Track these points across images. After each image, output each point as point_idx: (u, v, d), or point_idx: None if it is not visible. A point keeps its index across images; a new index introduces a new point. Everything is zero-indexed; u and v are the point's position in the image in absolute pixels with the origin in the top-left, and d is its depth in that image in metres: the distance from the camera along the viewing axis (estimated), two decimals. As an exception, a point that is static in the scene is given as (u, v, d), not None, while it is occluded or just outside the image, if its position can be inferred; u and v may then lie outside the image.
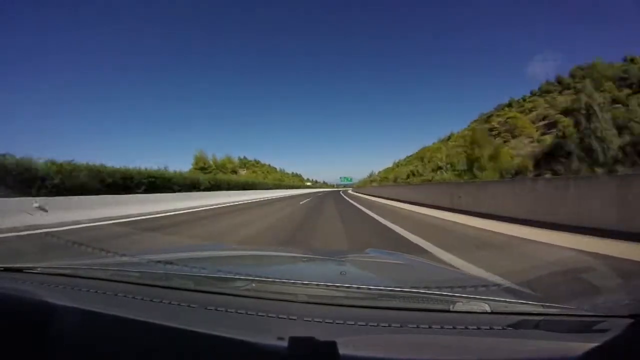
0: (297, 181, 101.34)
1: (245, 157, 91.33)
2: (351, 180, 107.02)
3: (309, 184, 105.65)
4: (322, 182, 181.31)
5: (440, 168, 32.62)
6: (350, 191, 56.03)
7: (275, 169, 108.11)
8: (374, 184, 55.93)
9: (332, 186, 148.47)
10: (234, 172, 52.30)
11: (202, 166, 41.64)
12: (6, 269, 1.02)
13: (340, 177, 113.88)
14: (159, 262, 1.11)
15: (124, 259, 1.29)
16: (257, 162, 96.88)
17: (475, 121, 42.59)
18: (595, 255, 2.96)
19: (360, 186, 67.41)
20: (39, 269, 1.00)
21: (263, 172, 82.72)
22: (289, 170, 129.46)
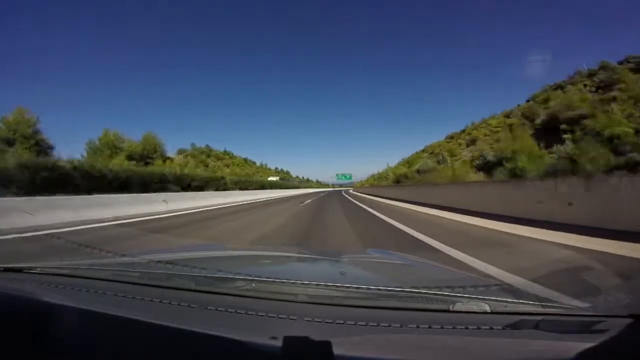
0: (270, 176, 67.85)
1: (208, 146, 71.37)
2: (350, 177, 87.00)
3: (273, 179, 57.36)
4: (315, 180, 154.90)
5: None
6: (351, 191, 46.90)
7: (254, 163, 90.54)
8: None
9: (328, 185, 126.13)
10: (146, 159, 32.81)
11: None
12: (6, 269, 1.02)
13: (337, 175, 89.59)
14: (159, 262, 1.11)
15: (124, 259, 1.29)
16: (227, 152, 77.35)
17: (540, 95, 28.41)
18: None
19: (375, 184, 43.60)
20: (38, 269, 1.00)
21: (223, 166, 61.99)
22: (274, 166, 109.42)
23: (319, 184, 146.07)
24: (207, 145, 72.24)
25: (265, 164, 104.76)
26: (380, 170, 56.68)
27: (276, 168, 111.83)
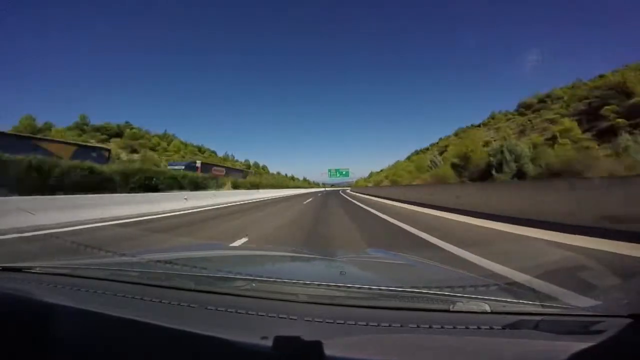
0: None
1: (128, 123, 53.81)
2: (347, 174, 67.25)
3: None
4: (301, 179, 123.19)
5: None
6: (349, 191, 37.72)
7: (209, 151, 68.38)
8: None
9: (318, 185, 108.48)
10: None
11: None
12: (5, 269, 1.02)
13: (330, 171, 67.13)
14: (159, 261, 1.11)
15: (124, 258, 1.29)
16: (166, 136, 59.97)
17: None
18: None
19: (405, 181, 29.13)
20: (37, 269, 1.00)
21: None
22: (245, 159, 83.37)
23: (307, 182, 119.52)
24: (126, 122, 55.74)
25: (232, 156, 78.52)
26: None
27: (246, 160, 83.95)
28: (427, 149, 53.09)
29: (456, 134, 44.85)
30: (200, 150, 66.95)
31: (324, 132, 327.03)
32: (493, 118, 41.36)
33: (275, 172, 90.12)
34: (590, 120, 24.17)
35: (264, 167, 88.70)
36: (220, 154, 75.32)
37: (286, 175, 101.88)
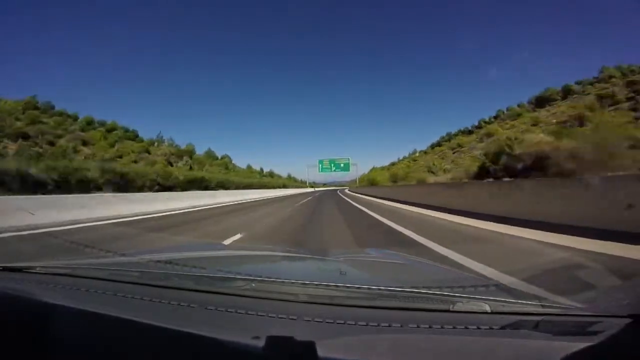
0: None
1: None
2: (347, 167, 47.96)
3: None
4: (286, 176, 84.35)
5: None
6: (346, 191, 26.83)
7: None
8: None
9: (305, 184, 74.27)
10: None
11: None
12: (5, 269, 1.02)
13: (321, 163, 48.14)
14: (159, 261, 1.12)
15: (123, 258, 1.29)
16: (32, 98, 31.45)
17: None
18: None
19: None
20: (37, 269, 1.00)
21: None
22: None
23: (294, 180, 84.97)
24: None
25: (170, 139, 41.87)
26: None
27: (189, 145, 43.67)
28: (472, 130, 40.94)
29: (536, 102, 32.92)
30: (89, 122, 36.14)
31: (314, 128, 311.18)
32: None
33: (246, 167, 57.87)
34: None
35: (224, 157, 53.94)
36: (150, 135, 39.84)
37: (262, 170, 65.54)
